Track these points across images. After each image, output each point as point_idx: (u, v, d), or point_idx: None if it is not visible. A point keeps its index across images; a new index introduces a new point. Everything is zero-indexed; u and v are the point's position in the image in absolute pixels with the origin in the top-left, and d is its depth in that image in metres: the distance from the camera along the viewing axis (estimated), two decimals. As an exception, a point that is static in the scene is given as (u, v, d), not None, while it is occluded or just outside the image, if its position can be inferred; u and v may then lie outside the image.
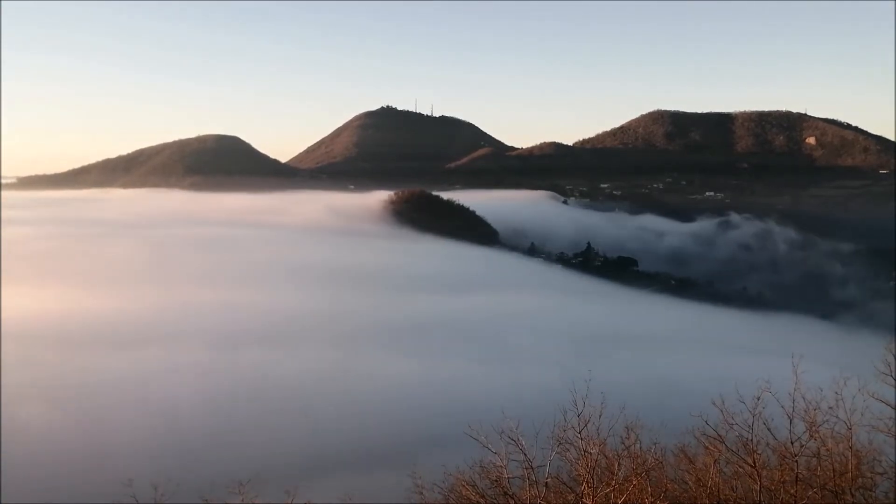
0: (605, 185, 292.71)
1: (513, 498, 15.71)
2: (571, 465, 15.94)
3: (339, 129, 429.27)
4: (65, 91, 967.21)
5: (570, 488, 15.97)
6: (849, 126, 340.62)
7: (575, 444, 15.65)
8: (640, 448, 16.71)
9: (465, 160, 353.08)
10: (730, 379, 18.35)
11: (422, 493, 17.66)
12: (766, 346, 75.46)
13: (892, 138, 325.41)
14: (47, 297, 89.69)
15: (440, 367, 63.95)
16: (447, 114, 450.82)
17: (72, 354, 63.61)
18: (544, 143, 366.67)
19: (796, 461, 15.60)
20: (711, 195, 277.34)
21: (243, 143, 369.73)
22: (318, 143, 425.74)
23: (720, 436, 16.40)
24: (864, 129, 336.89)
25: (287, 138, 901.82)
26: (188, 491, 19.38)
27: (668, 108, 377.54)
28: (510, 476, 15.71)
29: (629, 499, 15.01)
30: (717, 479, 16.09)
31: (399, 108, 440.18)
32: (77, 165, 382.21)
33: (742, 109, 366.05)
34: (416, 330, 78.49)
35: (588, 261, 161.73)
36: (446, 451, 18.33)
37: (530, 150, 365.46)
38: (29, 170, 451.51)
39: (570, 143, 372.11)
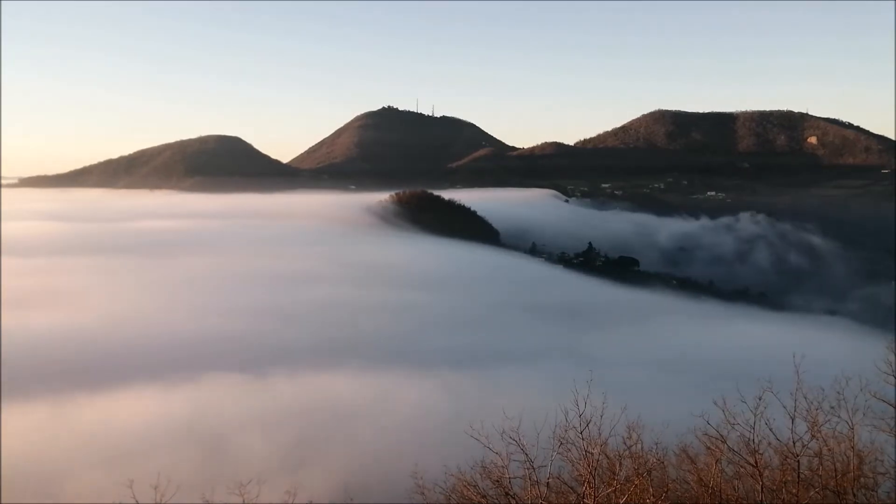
0: (607, 185, 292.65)
1: (514, 498, 15.69)
2: (573, 466, 15.89)
3: (340, 129, 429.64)
4: (66, 91, 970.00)
5: (572, 488, 15.94)
6: (850, 125, 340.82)
7: (576, 444, 15.60)
8: (642, 448, 16.67)
9: (466, 160, 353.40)
10: (731, 378, 18.32)
11: (423, 494, 17.63)
12: (768, 345, 75.20)
13: (893, 138, 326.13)
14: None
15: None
16: (448, 114, 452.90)
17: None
18: (545, 142, 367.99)
19: (798, 461, 15.60)
20: (713, 195, 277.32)
21: (244, 144, 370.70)
22: (319, 143, 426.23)
23: (722, 436, 16.37)
24: (866, 128, 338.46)
25: (288, 139, 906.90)
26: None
27: (669, 108, 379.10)
28: (511, 476, 15.68)
29: (631, 499, 14.97)
30: (718, 479, 16.07)
31: (400, 109, 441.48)
32: (78, 166, 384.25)
33: (743, 109, 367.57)
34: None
35: (589, 261, 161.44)
36: (449, 452, 18.23)
37: (531, 150, 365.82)
38: (30, 170, 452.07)
39: (572, 143, 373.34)
